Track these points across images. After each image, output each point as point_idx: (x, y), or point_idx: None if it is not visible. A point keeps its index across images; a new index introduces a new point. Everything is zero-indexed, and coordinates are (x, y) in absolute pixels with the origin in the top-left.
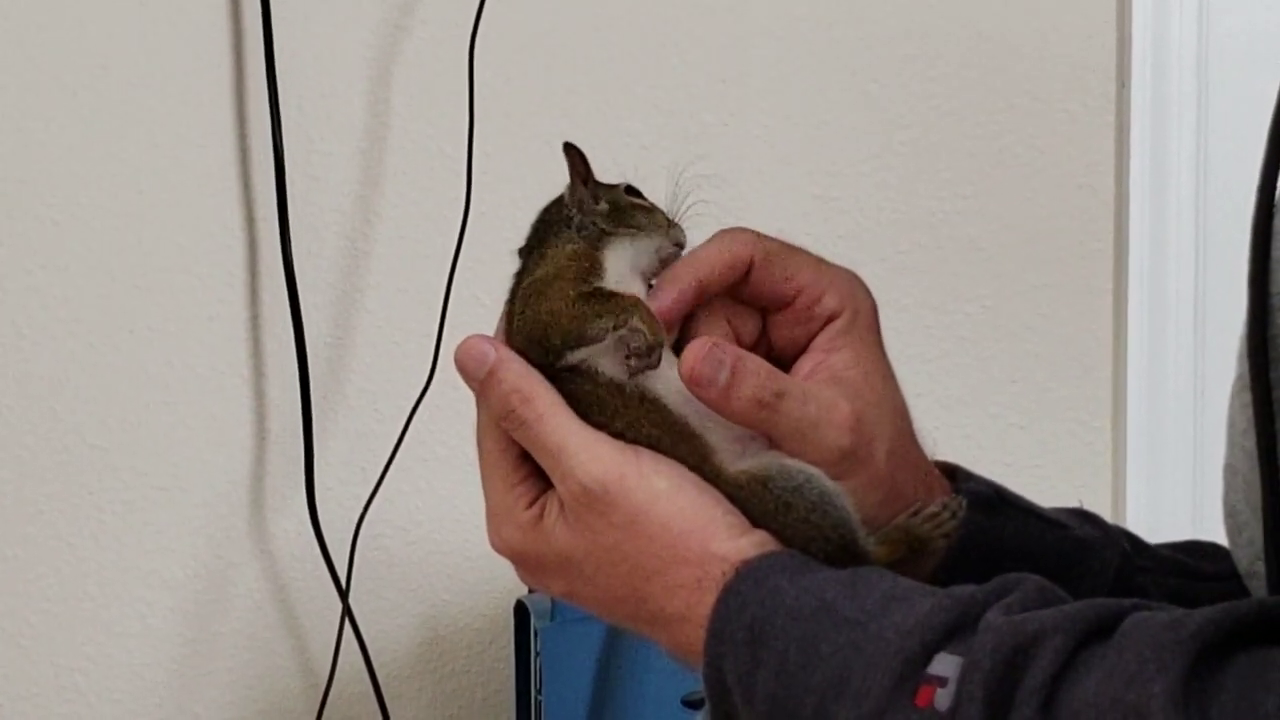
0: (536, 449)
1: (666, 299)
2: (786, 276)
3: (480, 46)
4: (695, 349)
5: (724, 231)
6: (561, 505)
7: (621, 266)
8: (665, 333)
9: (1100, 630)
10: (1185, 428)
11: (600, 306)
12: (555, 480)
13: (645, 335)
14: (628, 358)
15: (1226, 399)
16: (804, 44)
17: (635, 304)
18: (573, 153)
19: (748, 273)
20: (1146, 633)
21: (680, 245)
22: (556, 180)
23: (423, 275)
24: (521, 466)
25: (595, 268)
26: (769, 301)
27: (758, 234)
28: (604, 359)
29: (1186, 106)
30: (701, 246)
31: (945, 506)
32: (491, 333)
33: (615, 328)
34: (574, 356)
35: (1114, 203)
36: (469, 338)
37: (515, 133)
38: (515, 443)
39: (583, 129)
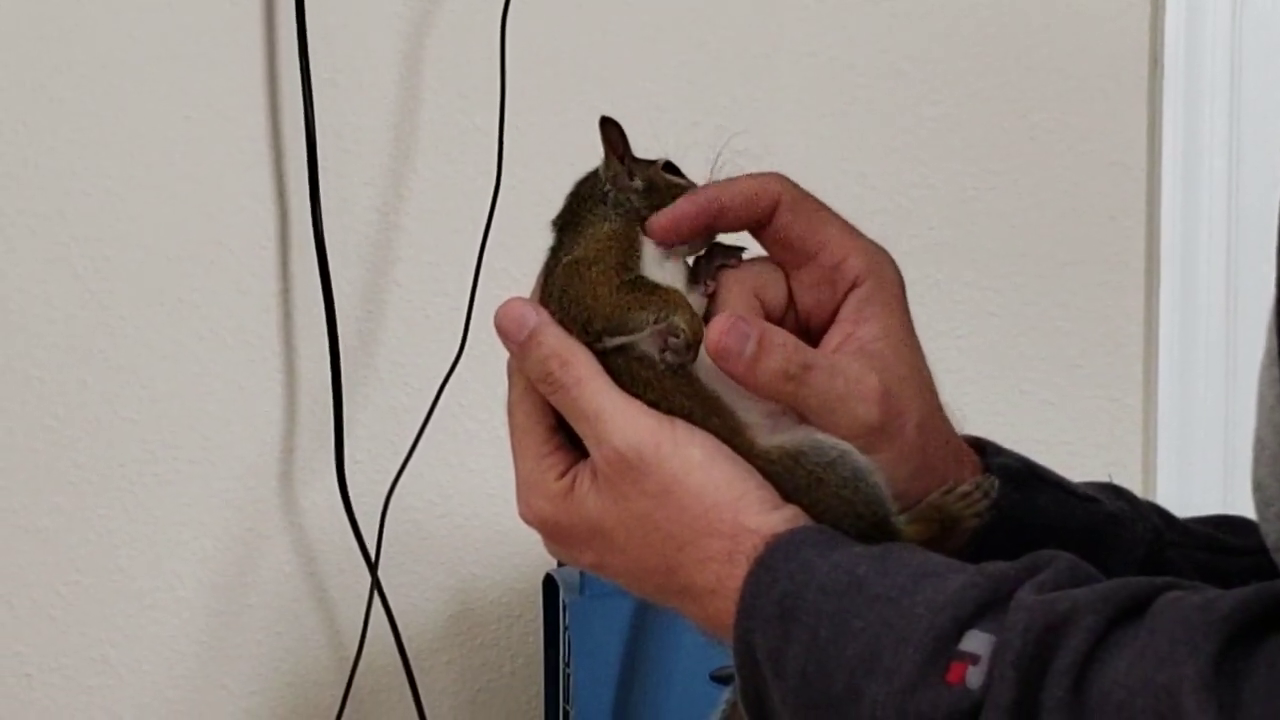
0: (573, 414)
1: (682, 210)
2: (812, 228)
3: (512, 19)
4: (721, 322)
5: (758, 172)
6: (594, 474)
7: (658, 247)
8: (703, 330)
9: (1132, 610)
10: (1216, 405)
11: (644, 298)
12: (590, 445)
13: (685, 334)
14: (663, 351)
15: (1257, 375)
16: (837, 21)
17: (679, 302)
18: (609, 127)
19: (774, 213)
20: (1178, 613)
21: None
22: (588, 154)
23: (453, 248)
24: (553, 437)
25: (633, 249)
26: (792, 251)
27: (791, 181)
28: (641, 340)
29: (1219, 84)
30: (732, 177)
31: (978, 486)
32: None
33: (656, 322)
34: (612, 342)
35: (1146, 180)
36: (510, 300)
37: (547, 106)
38: (547, 414)
39: (613, 103)
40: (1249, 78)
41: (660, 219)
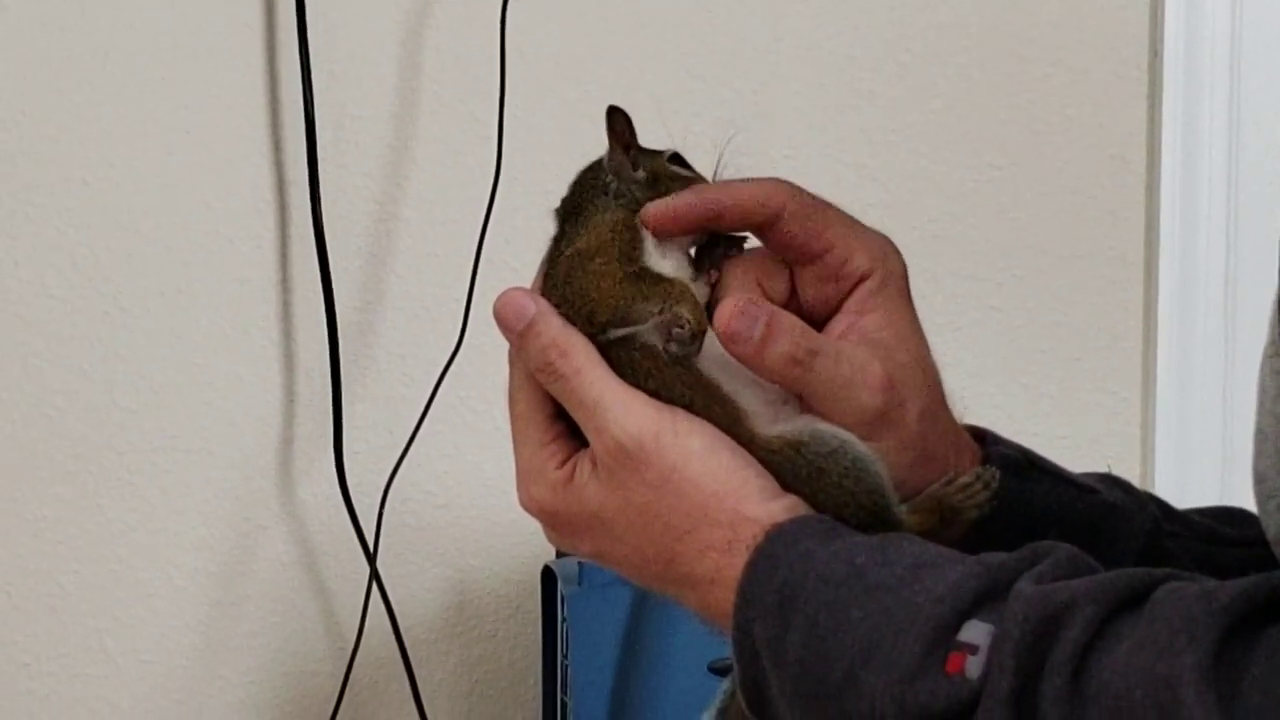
0: (573, 403)
1: (678, 205)
2: (817, 231)
3: (512, 10)
4: (730, 305)
5: (765, 177)
6: (594, 463)
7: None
8: (708, 323)
9: (1131, 600)
10: (1214, 398)
11: (648, 289)
12: (590, 435)
13: (690, 325)
14: (668, 342)
15: (1256, 369)
16: (837, 12)
17: (683, 293)
18: (616, 116)
19: (777, 222)
20: (1178, 604)
21: None
22: (587, 145)
23: (452, 240)
24: (553, 426)
25: (636, 240)
26: (797, 254)
27: (797, 186)
28: (645, 331)
29: (1219, 76)
30: (737, 180)
31: (978, 477)
32: None
33: (660, 313)
34: (616, 333)
35: (1145, 173)
36: (508, 290)
37: (546, 98)
38: (547, 402)
39: (613, 96)
40: (1249, 71)
41: (654, 210)
